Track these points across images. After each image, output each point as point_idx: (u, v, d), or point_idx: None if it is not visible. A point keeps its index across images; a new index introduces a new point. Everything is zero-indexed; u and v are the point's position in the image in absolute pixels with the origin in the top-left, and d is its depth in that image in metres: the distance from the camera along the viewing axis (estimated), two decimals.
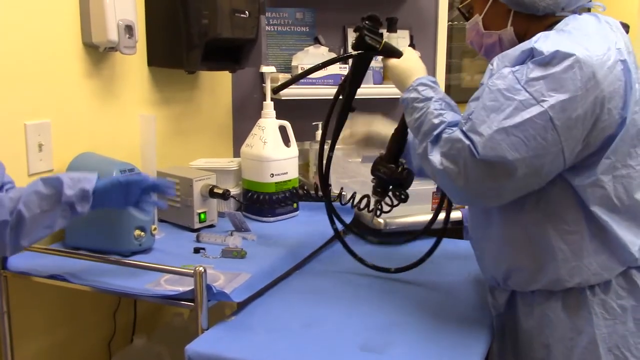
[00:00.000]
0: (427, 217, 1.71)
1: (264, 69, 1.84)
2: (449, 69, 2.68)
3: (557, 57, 1.06)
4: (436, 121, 1.16)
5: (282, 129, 1.83)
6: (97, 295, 1.56)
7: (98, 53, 1.65)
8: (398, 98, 2.48)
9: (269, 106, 1.83)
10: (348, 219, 1.77)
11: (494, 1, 1.22)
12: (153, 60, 1.86)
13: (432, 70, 2.55)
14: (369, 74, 2.33)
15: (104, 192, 1.25)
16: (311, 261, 1.62)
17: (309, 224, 1.78)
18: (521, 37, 1.20)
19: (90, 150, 1.61)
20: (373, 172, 1.45)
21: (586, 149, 1.11)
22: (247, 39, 1.91)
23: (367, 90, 2.26)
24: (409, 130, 1.31)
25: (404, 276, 1.52)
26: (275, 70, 1.94)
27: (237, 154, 2.17)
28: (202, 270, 1.20)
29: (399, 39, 2.35)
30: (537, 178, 1.10)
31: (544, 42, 1.09)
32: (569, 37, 1.10)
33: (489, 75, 1.13)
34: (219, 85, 2.21)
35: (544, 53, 1.07)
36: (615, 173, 1.13)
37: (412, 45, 2.40)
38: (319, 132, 2.15)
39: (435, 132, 1.15)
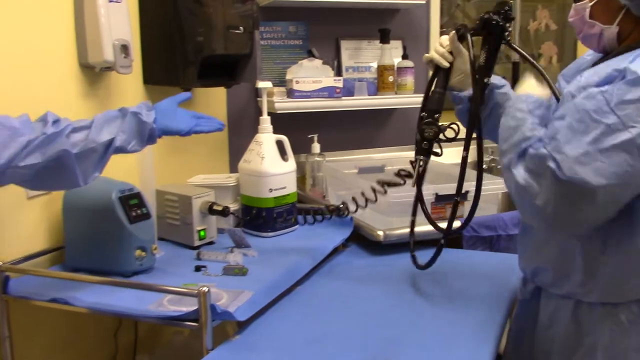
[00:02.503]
0: (426, 227, 1.72)
1: (261, 84, 1.83)
2: None
3: None
4: (529, 134, 1.11)
5: (280, 144, 1.83)
6: (98, 316, 1.54)
7: (94, 73, 1.65)
8: (393, 108, 2.52)
9: (265, 121, 1.83)
10: (346, 232, 1.81)
11: None
12: (149, 78, 1.86)
13: (424, 78, 2.53)
14: (363, 85, 2.35)
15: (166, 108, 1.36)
16: (312, 275, 1.62)
17: (308, 238, 1.77)
18: (624, 37, 1.15)
19: None
20: (421, 133, 1.36)
21: None
22: (242, 54, 1.91)
23: (360, 101, 2.30)
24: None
25: (407, 289, 1.52)
26: (271, 85, 1.94)
27: (233, 169, 2.21)
28: (206, 290, 1.20)
29: (392, 50, 2.37)
30: (616, 206, 1.06)
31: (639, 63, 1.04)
32: None
33: (575, 88, 1.09)
34: (213, 100, 2.20)
35: (638, 74, 1.01)
36: None
37: (405, 55, 2.40)
38: (315, 145, 2.20)
39: (524, 145, 1.10)
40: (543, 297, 1.28)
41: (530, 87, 1.22)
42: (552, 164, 1.03)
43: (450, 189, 1.82)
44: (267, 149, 1.80)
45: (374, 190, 1.54)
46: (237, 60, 1.95)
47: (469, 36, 1.28)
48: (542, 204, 1.05)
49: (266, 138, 1.82)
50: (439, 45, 1.38)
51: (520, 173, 1.09)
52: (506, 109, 1.20)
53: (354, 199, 1.60)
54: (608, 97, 1.02)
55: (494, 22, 1.27)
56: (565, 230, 1.16)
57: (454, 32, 1.35)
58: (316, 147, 2.22)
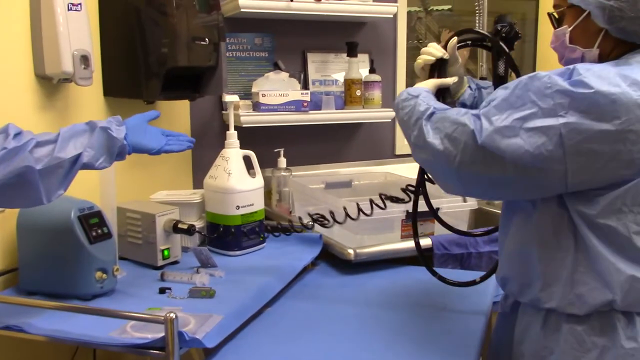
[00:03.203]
0: (397, 245, 1.77)
1: (228, 97, 1.79)
2: None
3: (595, 89, 1.03)
4: (424, 107, 1.20)
5: (247, 159, 1.80)
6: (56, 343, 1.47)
7: (51, 85, 1.59)
8: (360, 123, 2.51)
9: (232, 136, 1.79)
10: (315, 250, 1.79)
11: (587, 17, 1.17)
12: (109, 90, 1.81)
13: (392, 92, 2.56)
14: (330, 99, 2.33)
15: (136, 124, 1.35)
16: (282, 297, 1.58)
17: (276, 257, 1.74)
18: (604, 58, 1.18)
19: None
20: None
21: (594, 182, 1.09)
22: (207, 66, 1.87)
23: (328, 115, 2.29)
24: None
25: (380, 309, 1.50)
26: (238, 99, 1.91)
27: (197, 184, 2.16)
28: (173, 317, 1.14)
29: (359, 63, 2.36)
30: (532, 187, 1.11)
31: (590, 69, 1.06)
32: (621, 71, 1.07)
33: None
34: (176, 113, 2.16)
35: (582, 77, 1.04)
36: (620, 215, 1.10)
37: (372, 69, 2.38)
38: (281, 159, 2.17)
39: (428, 112, 1.18)
40: (520, 311, 1.28)
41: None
42: (472, 129, 1.09)
43: (421, 206, 1.76)
44: (234, 164, 1.76)
45: (371, 204, 1.55)
46: (201, 72, 1.90)
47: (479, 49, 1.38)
48: (457, 167, 1.11)
49: (233, 153, 1.78)
50: (432, 47, 1.42)
51: (436, 140, 1.14)
52: (397, 106, 1.29)
53: (332, 213, 1.60)
54: (551, 82, 1.05)
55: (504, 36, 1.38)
56: (481, 198, 1.24)
57: (455, 38, 1.40)
58: (282, 161, 2.19)
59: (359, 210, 1.61)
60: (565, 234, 1.14)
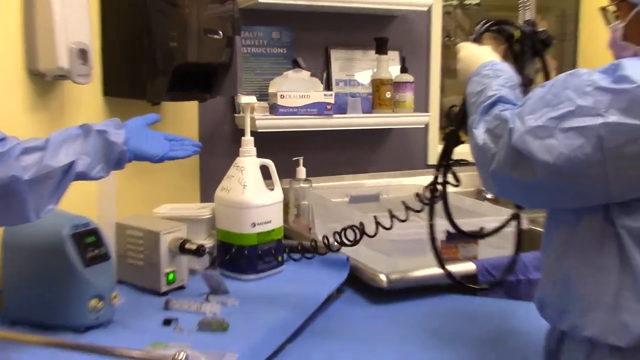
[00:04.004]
0: (437, 270, 1.67)
1: (244, 99, 1.76)
2: (443, 91, 2.63)
3: (639, 83, 1.03)
4: (491, 93, 1.21)
5: (264, 169, 1.76)
6: None
7: (45, 82, 1.55)
8: (389, 129, 2.50)
9: (248, 142, 1.75)
10: (342, 275, 1.74)
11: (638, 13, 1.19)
12: (110, 89, 1.80)
13: (425, 94, 2.54)
14: (356, 101, 2.30)
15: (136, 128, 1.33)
16: (304, 331, 1.51)
17: (297, 282, 1.69)
18: None
19: None
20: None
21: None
22: (220, 63, 1.86)
23: (354, 120, 2.29)
24: None
25: (419, 347, 1.43)
26: (256, 100, 1.88)
27: (205, 197, 2.14)
28: (183, 358, 1.05)
29: (390, 61, 2.34)
30: (569, 194, 1.10)
31: (637, 63, 1.06)
32: None
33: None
34: (184, 116, 2.13)
35: (626, 73, 1.04)
36: None
37: (403, 68, 2.36)
38: (300, 169, 2.15)
39: (486, 103, 1.19)
40: (565, 346, 1.23)
41: (488, 53, 1.35)
42: (510, 127, 1.11)
43: (463, 225, 1.71)
44: (250, 175, 1.72)
45: (391, 216, 1.52)
46: (213, 70, 1.89)
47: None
48: (494, 167, 1.12)
49: (249, 162, 1.74)
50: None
51: (480, 133, 1.17)
52: (469, 81, 1.31)
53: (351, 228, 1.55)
54: (592, 79, 1.06)
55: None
56: (518, 203, 1.29)
57: (484, 22, 1.44)
58: (301, 171, 2.16)
59: (377, 224, 1.55)
60: (609, 252, 1.11)
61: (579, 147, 1.03)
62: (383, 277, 1.66)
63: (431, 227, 1.50)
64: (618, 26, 1.21)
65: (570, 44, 2.96)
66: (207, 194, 2.08)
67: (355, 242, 1.53)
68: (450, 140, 1.47)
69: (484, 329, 1.52)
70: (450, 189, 1.50)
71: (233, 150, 1.80)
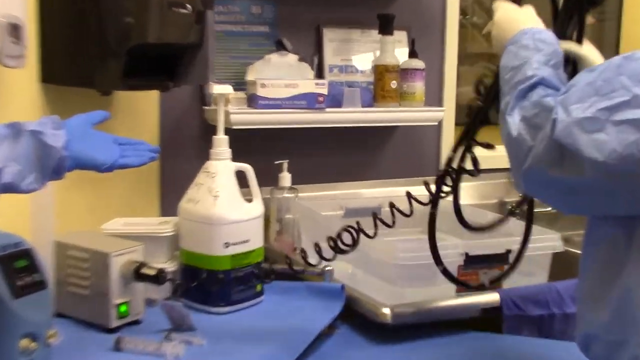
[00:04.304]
0: (453, 301, 1.75)
1: (217, 88, 1.77)
2: (459, 80, 2.66)
3: None
4: (530, 73, 1.23)
5: (241, 176, 1.77)
6: None
7: None
8: (395, 126, 2.51)
9: (222, 142, 1.77)
10: (335, 308, 1.74)
11: None
12: (49, 75, 1.79)
13: (438, 83, 2.57)
14: (355, 92, 2.32)
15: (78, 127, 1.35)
16: None
17: (280, 317, 1.72)
18: None
19: None
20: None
21: None
22: (187, 44, 1.86)
23: (352, 115, 2.30)
24: None
25: None
26: (232, 90, 1.89)
27: (167, 209, 2.15)
28: None
29: (396, 43, 2.35)
30: (618, 198, 1.12)
31: None
32: None
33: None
34: (140, 108, 2.13)
35: None
36: None
37: (413, 52, 2.37)
38: (284, 175, 2.16)
39: (525, 85, 1.21)
40: None
41: (530, 17, 1.38)
42: (554, 118, 1.13)
43: (485, 247, 1.82)
44: (224, 183, 1.73)
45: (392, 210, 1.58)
46: (179, 52, 1.90)
47: None
48: (531, 162, 1.15)
49: (222, 167, 1.76)
50: None
51: (514, 121, 1.19)
52: (505, 50, 1.32)
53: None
54: None
55: None
56: (554, 206, 1.27)
57: None
58: (286, 178, 2.16)
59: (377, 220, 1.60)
60: None
61: (635, 142, 1.05)
62: (387, 311, 1.65)
63: (432, 216, 1.52)
64: None
65: (613, 25, 3.00)
66: (168, 206, 2.08)
67: (354, 245, 1.55)
68: (477, 117, 1.49)
69: None
70: (464, 196, 1.56)
71: (202, 152, 1.81)
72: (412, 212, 1.58)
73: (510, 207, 1.86)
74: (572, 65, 1.45)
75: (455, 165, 1.49)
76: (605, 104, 1.09)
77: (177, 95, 2.16)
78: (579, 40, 1.44)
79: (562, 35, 1.40)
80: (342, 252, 1.57)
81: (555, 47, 1.30)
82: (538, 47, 1.28)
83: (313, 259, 1.63)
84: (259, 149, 2.18)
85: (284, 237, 2.16)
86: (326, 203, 2.27)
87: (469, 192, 2.51)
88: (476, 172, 1.48)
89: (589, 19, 1.51)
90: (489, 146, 1.46)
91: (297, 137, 2.32)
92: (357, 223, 1.58)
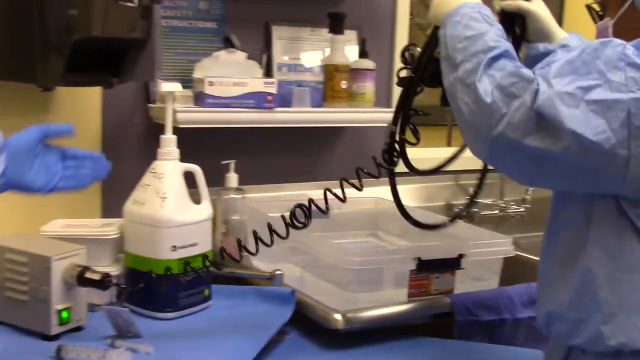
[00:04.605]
0: (405, 307, 1.76)
1: (165, 86, 1.74)
2: None
3: None
4: (492, 44, 1.26)
5: (189, 177, 1.76)
6: None
7: None
8: (344, 127, 2.50)
9: (170, 142, 1.74)
10: (285, 313, 1.74)
11: (630, 7, 1.34)
12: None
13: (388, 84, 2.57)
14: (304, 92, 2.31)
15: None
16: None
17: (228, 322, 1.71)
18: None
19: None
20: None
21: None
22: (133, 39, 1.85)
23: (301, 115, 2.29)
24: None
25: None
26: (181, 89, 1.85)
27: (110, 211, 2.13)
28: None
29: (346, 43, 2.35)
30: (581, 173, 1.20)
31: None
32: None
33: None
34: (81, 106, 2.10)
35: None
36: None
37: (363, 52, 2.37)
38: (231, 176, 2.15)
39: (492, 55, 1.25)
40: None
41: None
42: (536, 89, 1.18)
43: (439, 251, 1.83)
44: (172, 184, 1.72)
45: (325, 194, 1.61)
46: (125, 47, 1.89)
47: None
48: (502, 129, 1.19)
49: (170, 168, 1.73)
50: None
51: (486, 87, 1.22)
52: (449, 20, 1.35)
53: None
54: (627, 53, 1.17)
55: None
56: (499, 167, 1.33)
57: None
58: (232, 178, 2.15)
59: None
60: (631, 247, 1.23)
61: (603, 122, 1.14)
62: (338, 317, 1.65)
63: (394, 187, 1.60)
64: (607, 24, 1.38)
65: (556, 4, 3.04)
66: (112, 208, 2.04)
67: (306, 222, 1.59)
68: (410, 87, 1.52)
69: None
70: (410, 198, 1.66)
71: (147, 152, 1.81)
72: (345, 198, 1.63)
73: (457, 210, 1.88)
74: (520, 19, 1.52)
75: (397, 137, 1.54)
76: (582, 84, 1.16)
77: (120, 93, 2.14)
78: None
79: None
80: (296, 227, 1.58)
81: (499, 24, 1.35)
82: (489, 21, 1.32)
83: (252, 248, 1.61)
84: (206, 149, 2.17)
85: (230, 239, 2.13)
86: (274, 204, 2.24)
87: (415, 194, 2.53)
88: (417, 141, 1.53)
89: None
90: (425, 114, 1.52)
91: (245, 136, 2.30)
92: (310, 200, 1.61)
